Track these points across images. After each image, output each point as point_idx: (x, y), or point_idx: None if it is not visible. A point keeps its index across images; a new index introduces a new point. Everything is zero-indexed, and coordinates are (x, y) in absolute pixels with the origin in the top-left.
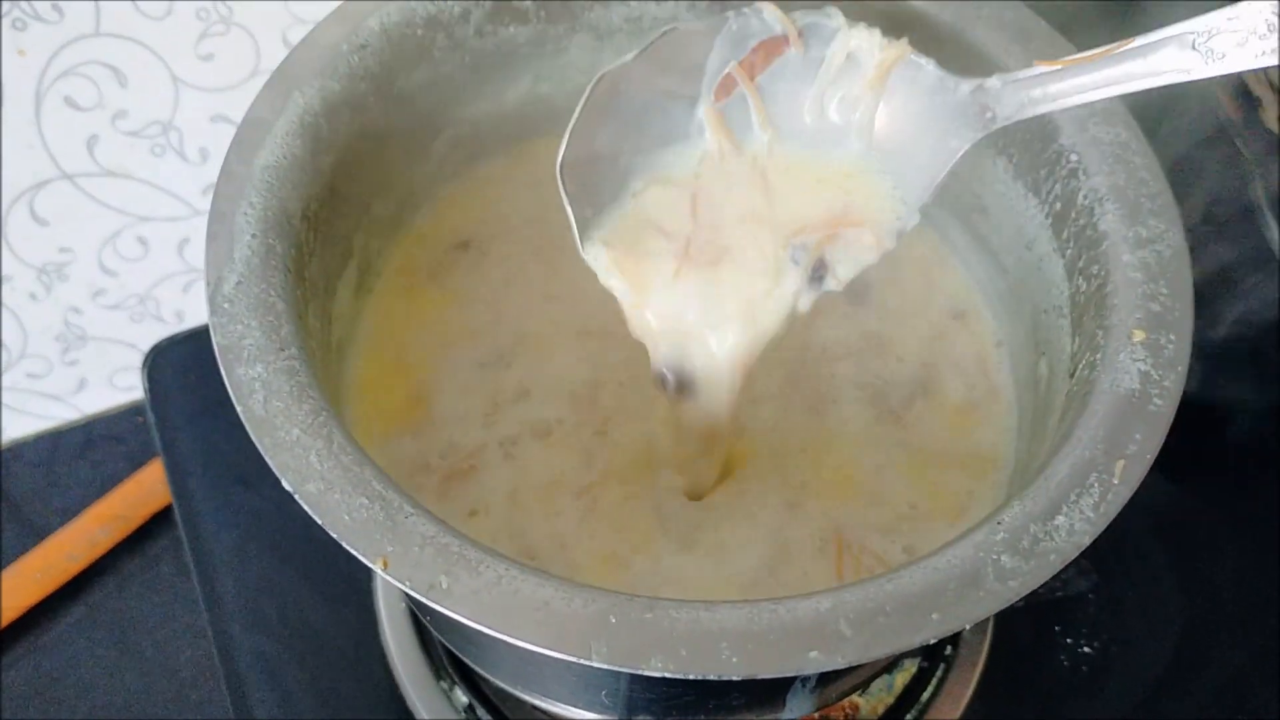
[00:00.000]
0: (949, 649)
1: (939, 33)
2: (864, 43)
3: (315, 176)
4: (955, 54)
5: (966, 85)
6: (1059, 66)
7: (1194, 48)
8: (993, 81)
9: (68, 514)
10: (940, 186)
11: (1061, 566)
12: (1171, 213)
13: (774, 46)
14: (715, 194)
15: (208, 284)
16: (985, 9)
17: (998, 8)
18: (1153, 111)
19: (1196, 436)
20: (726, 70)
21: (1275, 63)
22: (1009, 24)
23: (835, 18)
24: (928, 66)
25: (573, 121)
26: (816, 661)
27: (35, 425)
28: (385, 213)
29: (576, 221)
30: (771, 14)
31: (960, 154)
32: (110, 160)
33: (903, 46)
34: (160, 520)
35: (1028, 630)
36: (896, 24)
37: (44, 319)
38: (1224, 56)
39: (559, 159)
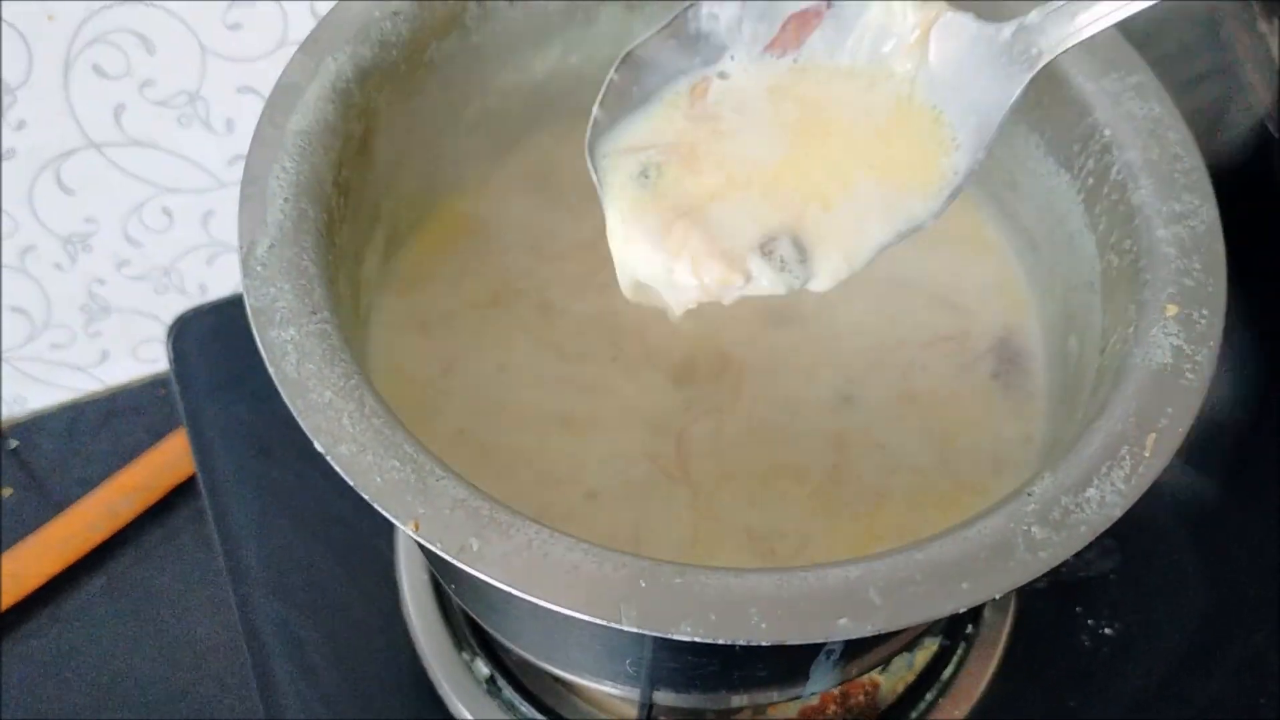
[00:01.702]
0: (970, 628)
1: None
2: (898, 6)
3: (347, 142)
4: None
5: (1008, 29)
6: None
7: None
8: (1032, 17)
9: (88, 485)
10: (995, 139)
11: (1092, 538)
12: (1205, 188)
13: (805, 21)
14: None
15: (241, 247)
16: None
17: None
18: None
19: (1220, 423)
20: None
21: None
22: None
23: None
24: (967, 20)
25: (600, 97)
26: (845, 629)
27: (57, 396)
28: (413, 183)
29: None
30: None
31: (1015, 98)
32: (137, 130)
33: (939, 5)
34: (181, 492)
35: (1049, 610)
36: None
37: (68, 289)
38: None
39: (587, 137)
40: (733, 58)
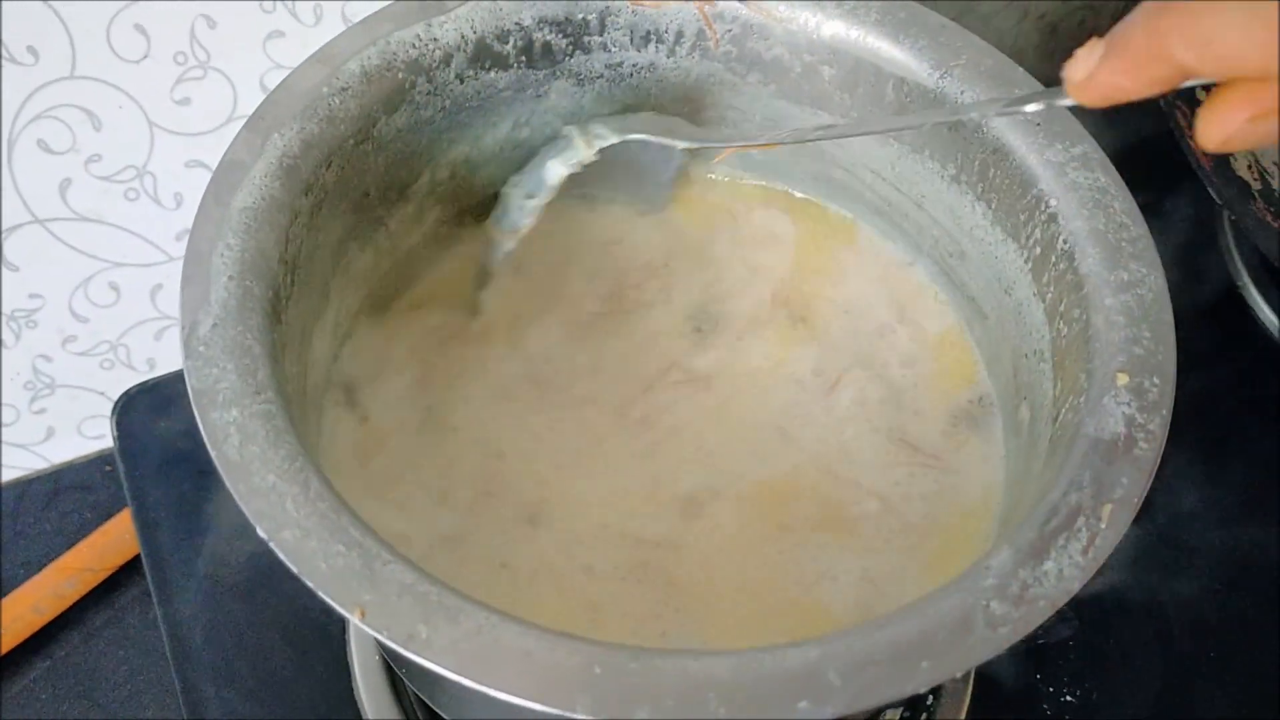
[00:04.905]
0: (930, 699)
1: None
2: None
3: (294, 218)
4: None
5: None
6: None
7: None
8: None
9: (33, 566)
10: None
11: (1051, 613)
12: (1152, 256)
13: None
14: None
15: (182, 327)
16: (963, 55)
17: (975, 54)
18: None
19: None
20: None
21: None
22: (987, 73)
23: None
24: None
25: None
26: (806, 711)
27: (1, 475)
28: (363, 260)
29: None
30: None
31: None
32: (83, 205)
33: None
34: (127, 571)
35: (1009, 679)
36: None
37: (13, 366)
38: None
39: None
40: None
